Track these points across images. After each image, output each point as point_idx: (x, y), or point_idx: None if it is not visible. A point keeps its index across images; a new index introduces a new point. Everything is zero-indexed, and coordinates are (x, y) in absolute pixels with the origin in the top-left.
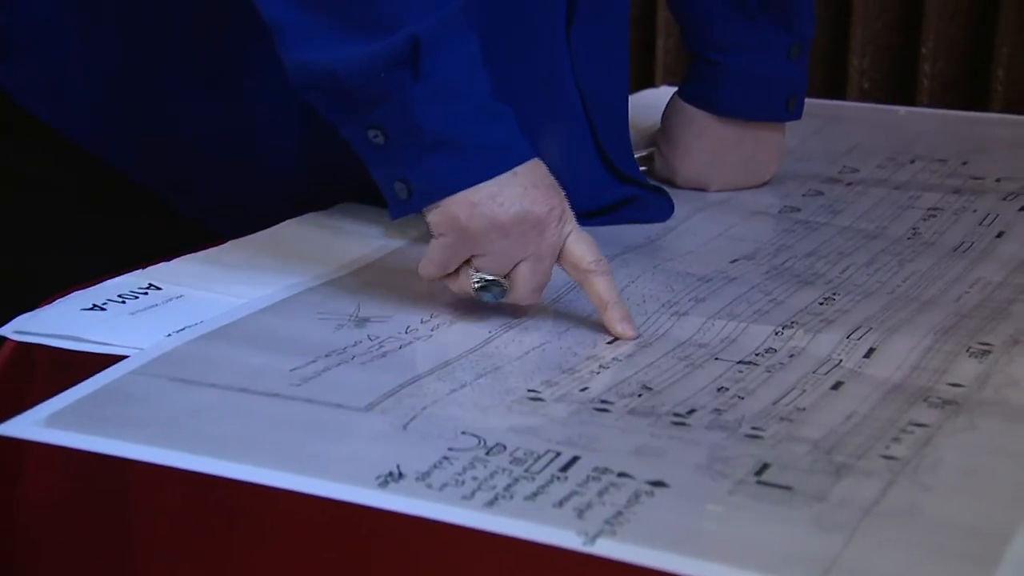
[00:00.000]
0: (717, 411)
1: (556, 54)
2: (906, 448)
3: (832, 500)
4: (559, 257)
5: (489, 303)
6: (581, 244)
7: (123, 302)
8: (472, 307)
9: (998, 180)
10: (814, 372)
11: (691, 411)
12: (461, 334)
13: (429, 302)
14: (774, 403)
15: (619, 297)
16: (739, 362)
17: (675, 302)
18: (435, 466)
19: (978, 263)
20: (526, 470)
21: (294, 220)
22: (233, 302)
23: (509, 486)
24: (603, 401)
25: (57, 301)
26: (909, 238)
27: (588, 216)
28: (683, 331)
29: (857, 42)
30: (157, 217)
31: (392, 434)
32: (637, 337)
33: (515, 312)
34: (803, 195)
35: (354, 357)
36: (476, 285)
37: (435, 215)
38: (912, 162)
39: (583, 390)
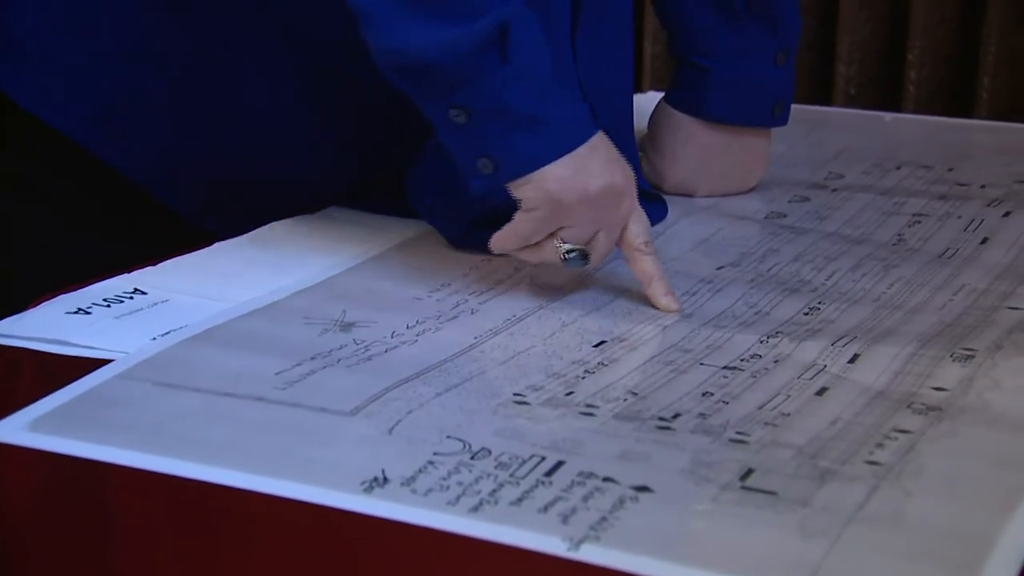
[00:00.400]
0: (702, 416)
1: (560, 56)
2: (890, 454)
3: (816, 505)
4: None
5: (576, 269)
6: (638, 222)
7: (108, 306)
8: (458, 312)
9: (983, 186)
10: (799, 377)
11: (676, 415)
12: (447, 338)
13: (415, 307)
14: (759, 408)
15: (663, 274)
16: (724, 367)
17: (661, 314)
18: (420, 471)
19: (963, 269)
20: (511, 475)
21: (280, 223)
22: (218, 306)
23: (494, 491)
24: (588, 405)
25: (42, 304)
26: (894, 244)
27: None
28: (669, 337)
29: (844, 48)
30: (147, 217)
31: (377, 438)
32: (680, 310)
33: (502, 316)
34: (789, 201)
35: (339, 360)
36: (565, 254)
37: (528, 190)
38: (898, 168)
39: (568, 394)
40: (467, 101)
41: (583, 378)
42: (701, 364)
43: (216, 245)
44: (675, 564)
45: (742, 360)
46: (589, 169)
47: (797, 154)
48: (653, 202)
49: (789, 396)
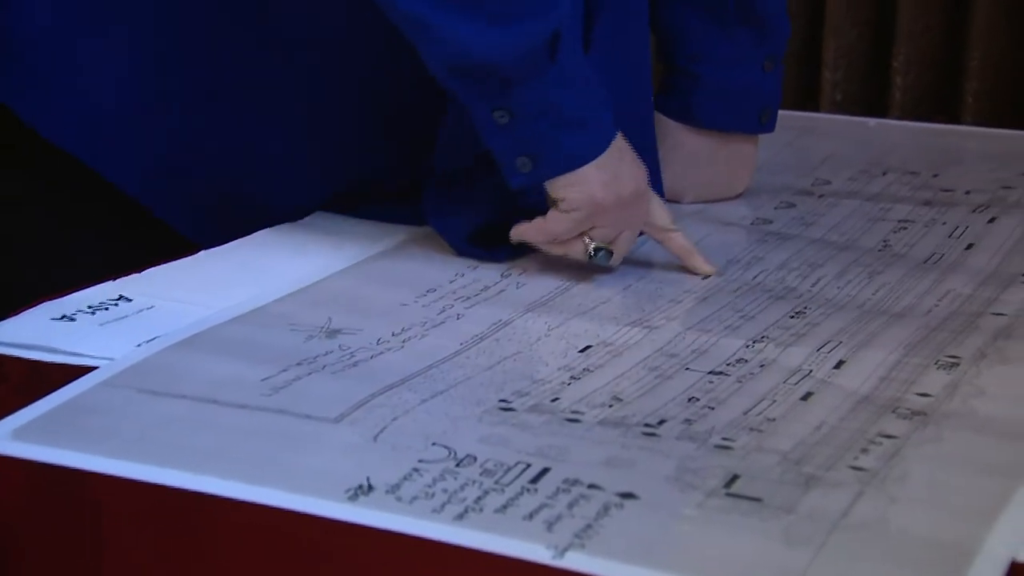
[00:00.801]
0: (687, 421)
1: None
2: (874, 459)
3: (801, 512)
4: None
5: (602, 265)
6: (660, 208)
7: (93, 313)
8: (443, 318)
9: (968, 192)
10: (784, 382)
11: (661, 421)
12: (432, 345)
13: (401, 313)
14: (744, 413)
15: (696, 247)
16: (710, 372)
17: (647, 320)
18: (405, 478)
19: (948, 275)
20: (496, 482)
21: (266, 231)
22: (204, 312)
23: (479, 498)
24: (574, 411)
25: (26, 311)
26: (880, 250)
27: None
28: (655, 342)
29: (830, 54)
30: (132, 227)
31: (362, 445)
32: (720, 273)
33: (487, 322)
34: (775, 207)
35: (325, 367)
36: (593, 252)
37: (571, 191)
38: (884, 174)
39: (554, 400)
40: (514, 102)
41: (568, 384)
42: (687, 369)
43: (202, 252)
44: (660, 572)
45: (728, 365)
46: (623, 174)
47: (783, 160)
48: None
49: (775, 401)
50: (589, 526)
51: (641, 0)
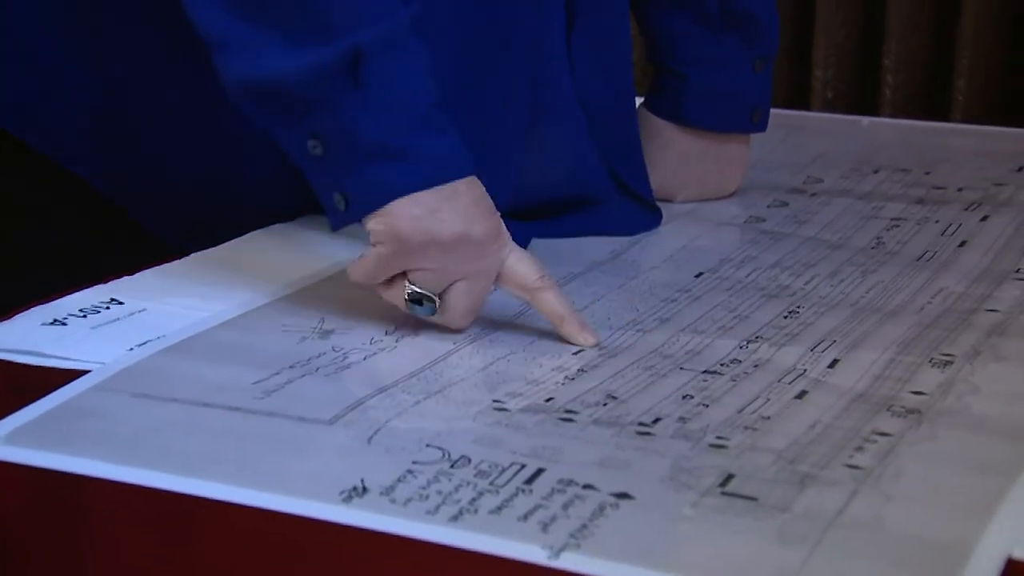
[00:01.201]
0: (682, 420)
1: (551, 56)
2: (869, 457)
3: (796, 511)
4: (503, 279)
5: (426, 318)
6: (522, 263)
7: (84, 316)
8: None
9: (960, 190)
10: (779, 381)
11: (656, 420)
12: (426, 345)
13: (394, 314)
14: (739, 412)
15: (572, 308)
16: (704, 371)
17: (640, 321)
18: (399, 480)
19: (940, 273)
20: (491, 483)
21: (257, 232)
22: (196, 315)
23: (474, 500)
24: (568, 411)
25: (17, 316)
26: (873, 248)
27: (571, 210)
28: (648, 344)
29: (820, 53)
30: (120, 232)
31: (356, 447)
32: (599, 344)
33: (481, 323)
34: (768, 206)
35: (318, 369)
36: (408, 297)
37: (375, 223)
38: (876, 172)
39: (548, 400)
40: (321, 129)
41: (562, 384)
42: (681, 369)
43: (193, 255)
44: (656, 571)
45: (722, 365)
46: (443, 213)
47: (775, 159)
48: (647, 209)
49: (769, 400)
50: (584, 526)
51: (622, 3)
